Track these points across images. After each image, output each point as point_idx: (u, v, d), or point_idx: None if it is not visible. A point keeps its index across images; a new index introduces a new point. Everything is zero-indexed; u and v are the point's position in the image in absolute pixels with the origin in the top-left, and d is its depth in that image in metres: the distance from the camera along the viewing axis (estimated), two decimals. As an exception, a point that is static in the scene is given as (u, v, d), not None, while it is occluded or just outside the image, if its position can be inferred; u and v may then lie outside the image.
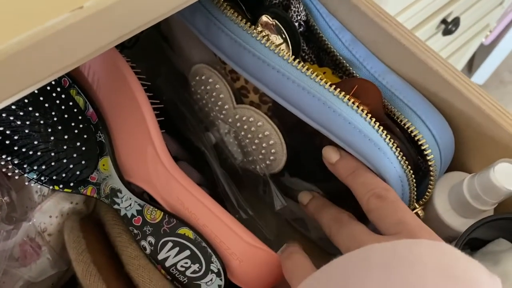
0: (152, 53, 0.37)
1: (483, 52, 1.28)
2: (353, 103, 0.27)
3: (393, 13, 0.59)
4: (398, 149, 0.27)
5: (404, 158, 0.28)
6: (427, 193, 0.30)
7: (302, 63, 0.28)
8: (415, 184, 0.28)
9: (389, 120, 0.29)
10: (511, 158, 0.31)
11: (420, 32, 0.70)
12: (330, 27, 0.33)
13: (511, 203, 0.32)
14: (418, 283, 0.19)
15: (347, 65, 0.32)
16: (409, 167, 0.28)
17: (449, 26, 0.74)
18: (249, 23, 0.29)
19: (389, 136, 0.27)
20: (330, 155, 0.30)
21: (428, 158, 0.28)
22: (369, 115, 0.27)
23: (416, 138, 0.28)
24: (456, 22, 0.75)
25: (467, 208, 0.30)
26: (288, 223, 0.41)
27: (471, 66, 1.34)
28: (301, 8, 0.33)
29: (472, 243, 0.33)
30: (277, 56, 0.28)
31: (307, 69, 0.28)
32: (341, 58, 0.33)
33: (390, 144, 0.27)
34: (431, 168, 0.29)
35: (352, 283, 0.20)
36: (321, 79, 0.27)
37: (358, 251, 0.22)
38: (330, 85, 0.27)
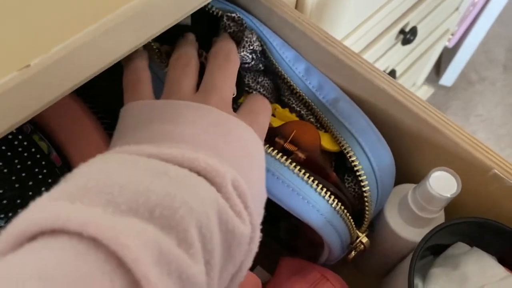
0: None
1: (448, 54, 1.32)
2: (282, 156, 0.29)
3: (349, 29, 0.61)
4: (328, 192, 0.30)
5: (336, 200, 0.30)
6: (365, 219, 0.32)
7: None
8: (351, 221, 0.30)
9: (326, 162, 0.32)
10: (460, 164, 0.32)
11: (380, 44, 0.73)
12: (284, 59, 0.34)
13: (459, 203, 0.33)
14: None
15: (303, 94, 0.34)
16: (342, 207, 0.30)
17: (407, 36, 0.76)
18: None
19: (319, 184, 0.29)
20: None
21: (362, 184, 0.30)
22: (297, 167, 0.29)
23: (353, 164, 0.30)
24: (414, 31, 0.77)
25: (417, 218, 0.31)
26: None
27: (438, 69, 1.38)
28: (254, 39, 0.35)
29: (433, 248, 0.34)
30: None
31: None
32: (297, 88, 0.34)
33: (319, 190, 0.29)
34: (365, 194, 0.30)
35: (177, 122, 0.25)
36: None
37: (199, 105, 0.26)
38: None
